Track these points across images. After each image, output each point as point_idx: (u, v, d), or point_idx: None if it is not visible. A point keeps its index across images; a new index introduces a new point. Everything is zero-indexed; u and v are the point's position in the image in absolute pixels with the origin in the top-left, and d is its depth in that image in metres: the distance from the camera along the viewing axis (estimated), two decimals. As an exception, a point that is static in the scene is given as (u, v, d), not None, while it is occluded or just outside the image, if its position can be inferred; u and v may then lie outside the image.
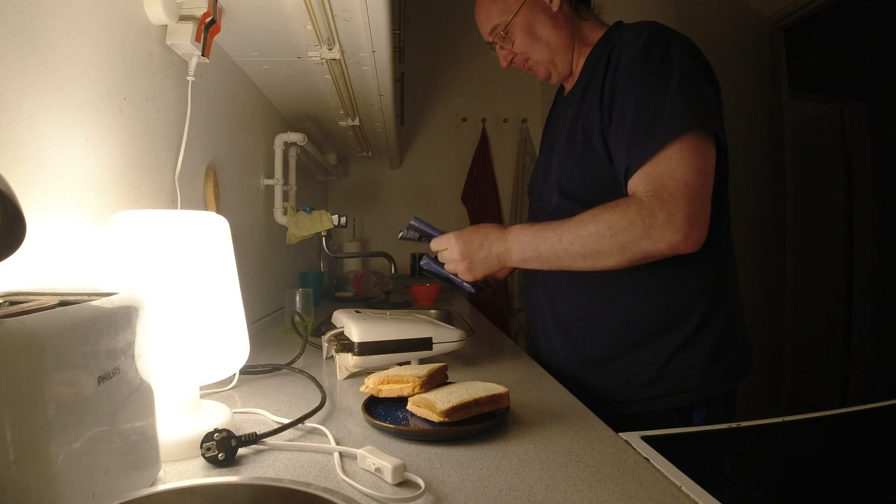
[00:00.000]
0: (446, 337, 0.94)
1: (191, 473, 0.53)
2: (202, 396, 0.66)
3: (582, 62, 0.97)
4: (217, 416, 0.62)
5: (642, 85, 0.80)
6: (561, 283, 0.95)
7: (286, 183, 1.57)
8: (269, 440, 0.59)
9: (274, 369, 0.93)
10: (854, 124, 2.95)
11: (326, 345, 0.97)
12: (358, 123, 1.73)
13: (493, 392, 0.66)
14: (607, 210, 0.79)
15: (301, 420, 0.64)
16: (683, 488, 0.49)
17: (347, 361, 0.89)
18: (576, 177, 0.90)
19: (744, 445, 0.66)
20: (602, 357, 0.91)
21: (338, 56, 1.14)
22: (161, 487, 0.34)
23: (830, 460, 0.63)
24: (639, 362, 0.87)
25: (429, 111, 2.92)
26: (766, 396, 2.16)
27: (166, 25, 0.83)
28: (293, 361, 0.96)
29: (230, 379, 0.85)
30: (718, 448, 0.66)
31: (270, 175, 1.52)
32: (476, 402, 0.64)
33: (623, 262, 0.80)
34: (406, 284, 2.27)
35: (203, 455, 0.53)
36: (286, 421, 0.62)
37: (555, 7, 0.94)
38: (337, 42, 1.10)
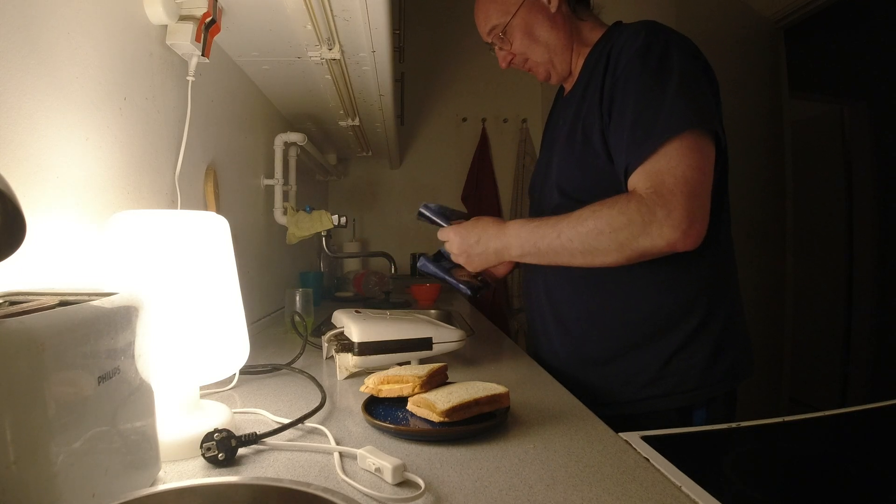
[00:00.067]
0: (446, 337, 0.94)
1: (191, 473, 0.53)
2: (202, 396, 0.66)
3: (581, 62, 0.97)
4: (217, 416, 0.62)
5: (641, 84, 0.80)
6: (561, 283, 0.95)
7: (286, 183, 1.58)
8: (269, 440, 0.59)
9: (274, 369, 0.93)
10: (854, 124, 2.95)
11: (326, 345, 0.97)
12: (358, 123, 1.73)
13: (493, 392, 0.66)
14: (607, 206, 0.79)
15: (301, 420, 0.64)
16: (683, 488, 0.49)
17: (347, 361, 0.89)
18: (576, 176, 0.90)
19: (744, 445, 0.66)
20: (602, 357, 0.91)
21: (338, 56, 1.14)
22: (161, 487, 0.34)
23: (830, 460, 0.63)
24: (639, 362, 0.87)
25: (429, 111, 2.92)
26: (766, 396, 2.16)
27: (166, 25, 0.84)
28: (293, 361, 0.96)
29: (230, 379, 0.85)
30: (718, 448, 0.66)
31: (270, 175, 1.52)
32: (476, 402, 0.64)
33: (622, 259, 0.79)
34: (406, 284, 2.27)
35: (203, 455, 0.53)
36: (286, 421, 0.62)
37: (553, 8, 0.94)
38: (337, 42, 1.10)
